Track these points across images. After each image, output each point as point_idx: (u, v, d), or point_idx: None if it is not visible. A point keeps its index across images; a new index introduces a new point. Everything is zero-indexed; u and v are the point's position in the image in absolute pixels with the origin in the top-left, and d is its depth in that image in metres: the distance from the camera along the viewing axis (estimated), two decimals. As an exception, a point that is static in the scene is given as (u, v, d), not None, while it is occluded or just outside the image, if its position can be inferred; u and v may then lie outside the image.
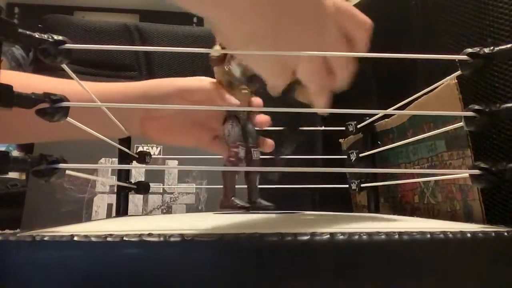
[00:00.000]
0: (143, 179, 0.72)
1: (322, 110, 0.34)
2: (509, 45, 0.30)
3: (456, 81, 0.41)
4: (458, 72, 0.32)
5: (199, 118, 0.53)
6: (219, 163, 0.60)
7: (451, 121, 0.41)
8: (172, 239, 0.23)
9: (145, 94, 0.51)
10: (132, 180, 0.63)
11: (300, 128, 0.43)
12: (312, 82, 0.34)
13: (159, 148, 0.81)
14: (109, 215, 0.79)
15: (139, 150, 0.62)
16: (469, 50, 0.30)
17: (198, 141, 0.54)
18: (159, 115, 0.52)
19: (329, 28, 0.32)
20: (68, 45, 0.26)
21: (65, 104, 0.26)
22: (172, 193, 0.82)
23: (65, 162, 0.26)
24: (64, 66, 0.27)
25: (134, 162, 0.61)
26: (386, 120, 0.58)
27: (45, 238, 0.22)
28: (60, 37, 0.26)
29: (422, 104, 0.46)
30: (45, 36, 0.26)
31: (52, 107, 0.25)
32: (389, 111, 0.43)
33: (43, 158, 0.26)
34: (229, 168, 0.48)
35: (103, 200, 0.80)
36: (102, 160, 0.79)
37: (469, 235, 0.25)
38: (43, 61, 0.27)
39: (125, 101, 0.50)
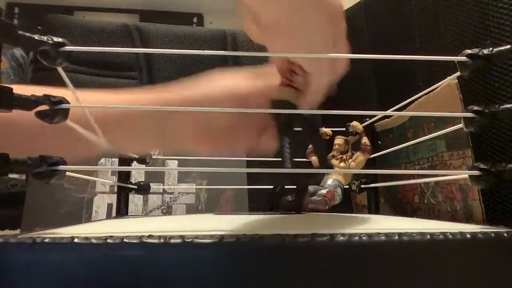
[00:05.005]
0: (143, 179, 0.72)
1: (324, 111, 0.33)
2: (508, 46, 0.30)
3: (457, 81, 0.41)
4: (458, 73, 0.32)
5: (251, 120, 0.44)
6: (219, 163, 0.60)
7: (451, 121, 0.41)
8: (172, 240, 0.23)
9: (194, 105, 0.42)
10: (132, 180, 0.63)
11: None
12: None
13: (159, 148, 0.81)
14: (109, 215, 0.79)
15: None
16: (468, 51, 0.30)
17: (246, 145, 0.45)
18: (219, 126, 0.43)
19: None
20: (68, 47, 0.26)
21: (64, 106, 0.26)
22: (172, 193, 0.82)
23: (65, 163, 0.26)
24: (60, 70, 0.27)
25: (135, 162, 0.61)
26: (386, 120, 0.58)
27: (46, 240, 0.22)
28: (60, 39, 0.26)
29: (423, 103, 0.46)
30: (45, 38, 0.26)
31: (52, 109, 0.25)
32: (389, 112, 0.42)
33: (43, 159, 0.25)
34: (228, 170, 0.48)
35: (103, 200, 0.80)
36: (102, 160, 0.79)
37: (468, 236, 0.25)
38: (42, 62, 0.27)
39: (168, 116, 0.43)
